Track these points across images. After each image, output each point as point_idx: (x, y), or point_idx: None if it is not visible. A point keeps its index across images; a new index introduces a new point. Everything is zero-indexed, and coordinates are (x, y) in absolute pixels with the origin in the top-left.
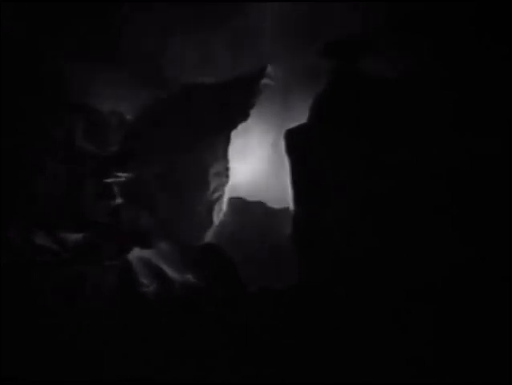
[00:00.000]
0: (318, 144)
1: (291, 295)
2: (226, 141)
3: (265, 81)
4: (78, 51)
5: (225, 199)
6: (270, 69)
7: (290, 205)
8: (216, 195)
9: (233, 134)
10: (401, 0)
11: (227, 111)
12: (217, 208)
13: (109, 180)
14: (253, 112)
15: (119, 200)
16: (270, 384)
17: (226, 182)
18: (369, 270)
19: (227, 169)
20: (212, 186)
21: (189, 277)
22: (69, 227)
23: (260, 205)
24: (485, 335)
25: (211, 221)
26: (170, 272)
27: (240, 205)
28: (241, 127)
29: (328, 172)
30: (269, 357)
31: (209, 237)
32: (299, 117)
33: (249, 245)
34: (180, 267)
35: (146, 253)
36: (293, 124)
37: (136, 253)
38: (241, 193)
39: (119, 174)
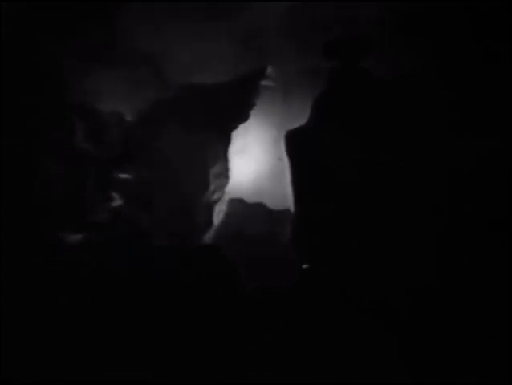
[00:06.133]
0: (318, 145)
1: (291, 295)
2: (226, 142)
3: (265, 82)
4: (78, 51)
5: (226, 200)
6: (270, 69)
7: (291, 206)
8: (216, 196)
9: (234, 134)
10: (401, 0)
11: (227, 111)
12: (217, 208)
13: (109, 181)
14: (253, 113)
15: (119, 201)
16: (270, 384)
17: (226, 183)
18: (369, 270)
19: (227, 170)
20: (212, 187)
21: (189, 277)
22: (69, 227)
23: (260, 206)
24: (485, 335)
25: (211, 222)
26: (170, 272)
27: (240, 206)
28: (241, 127)
29: (329, 173)
30: (269, 357)
31: (208, 238)
32: (300, 117)
33: (249, 246)
34: (180, 268)
35: (146, 254)
36: (293, 125)
37: (136, 254)
38: (242, 194)
39: (120, 174)
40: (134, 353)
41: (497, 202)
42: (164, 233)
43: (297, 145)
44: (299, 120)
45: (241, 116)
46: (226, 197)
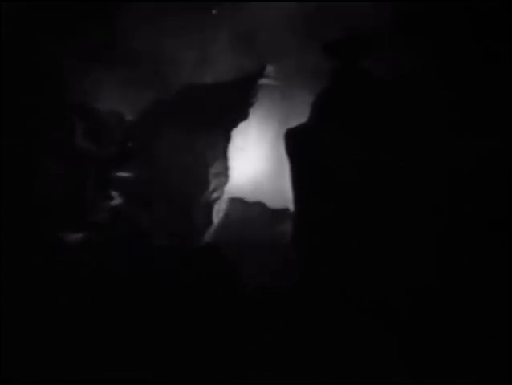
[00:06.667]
0: (318, 144)
1: (291, 295)
2: (226, 141)
3: (265, 81)
4: (78, 51)
5: (225, 199)
6: (269, 69)
7: (291, 205)
8: (215, 195)
9: (233, 133)
10: (402, 0)
11: (227, 110)
12: (216, 208)
13: (109, 181)
14: (253, 112)
15: (119, 200)
16: (270, 384)
17: (226, 182)
18: (369, 270)
19: (227, 169)
20: (212, 186)
21: (189, 277)
22: (69, 227)
23: (260, 205)
24: (485, 335)
25: (211, 222)
26: (170, 272)
27: (240, 205)
28: (241, 126)
29: (329, 172)
30: (269, 357)
31: (208, 237)
32: (300, 117)
33: (249, 246)
34: (180, 268)
35: (146, 254)
36: (293, 124)
37: (136, 254)
38: (241, 193)
39: (120, 174)
40: (134, 353)
41: (497, 202)
42: (164, 233)
43: (297, 144)
44: (299, 119)
45: (241, 115)
46: (226, 196)
